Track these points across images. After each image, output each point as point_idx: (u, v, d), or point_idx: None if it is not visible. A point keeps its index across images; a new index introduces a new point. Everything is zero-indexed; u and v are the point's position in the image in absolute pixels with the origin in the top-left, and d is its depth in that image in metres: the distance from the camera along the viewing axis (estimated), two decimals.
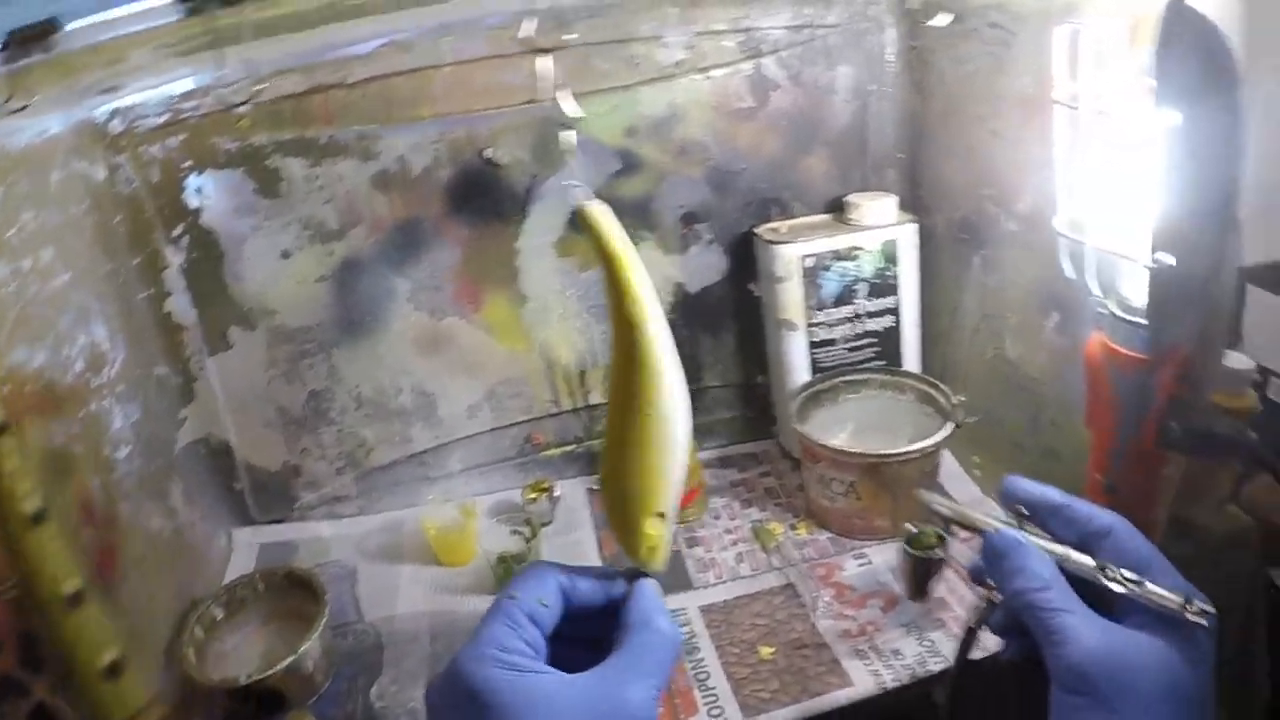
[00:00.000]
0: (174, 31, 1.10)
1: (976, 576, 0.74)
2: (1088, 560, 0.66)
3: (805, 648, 1.08)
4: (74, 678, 0.81)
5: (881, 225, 1.31)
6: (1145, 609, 0.63)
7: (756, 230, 1.35)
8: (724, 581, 1.20)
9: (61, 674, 0.80)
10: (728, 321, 1.44)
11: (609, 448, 0.72)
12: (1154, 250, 0.82)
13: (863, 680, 1.02)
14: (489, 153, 1.25)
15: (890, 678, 1.01)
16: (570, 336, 1.38)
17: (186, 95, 1.12)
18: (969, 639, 0.76)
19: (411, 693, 1.05)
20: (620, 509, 0.71)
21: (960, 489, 1.33)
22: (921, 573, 0.82)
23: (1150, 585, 0.63)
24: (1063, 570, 0.66)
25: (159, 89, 1.12)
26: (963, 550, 1.13)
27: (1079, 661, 0.60)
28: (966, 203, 1.28)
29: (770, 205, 1.38)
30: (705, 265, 1.39)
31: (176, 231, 1.17)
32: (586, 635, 0.66)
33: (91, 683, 0.81)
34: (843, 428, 1.32)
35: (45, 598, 0.80)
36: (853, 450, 1.19)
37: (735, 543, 1.28)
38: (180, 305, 1.21)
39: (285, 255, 1.23)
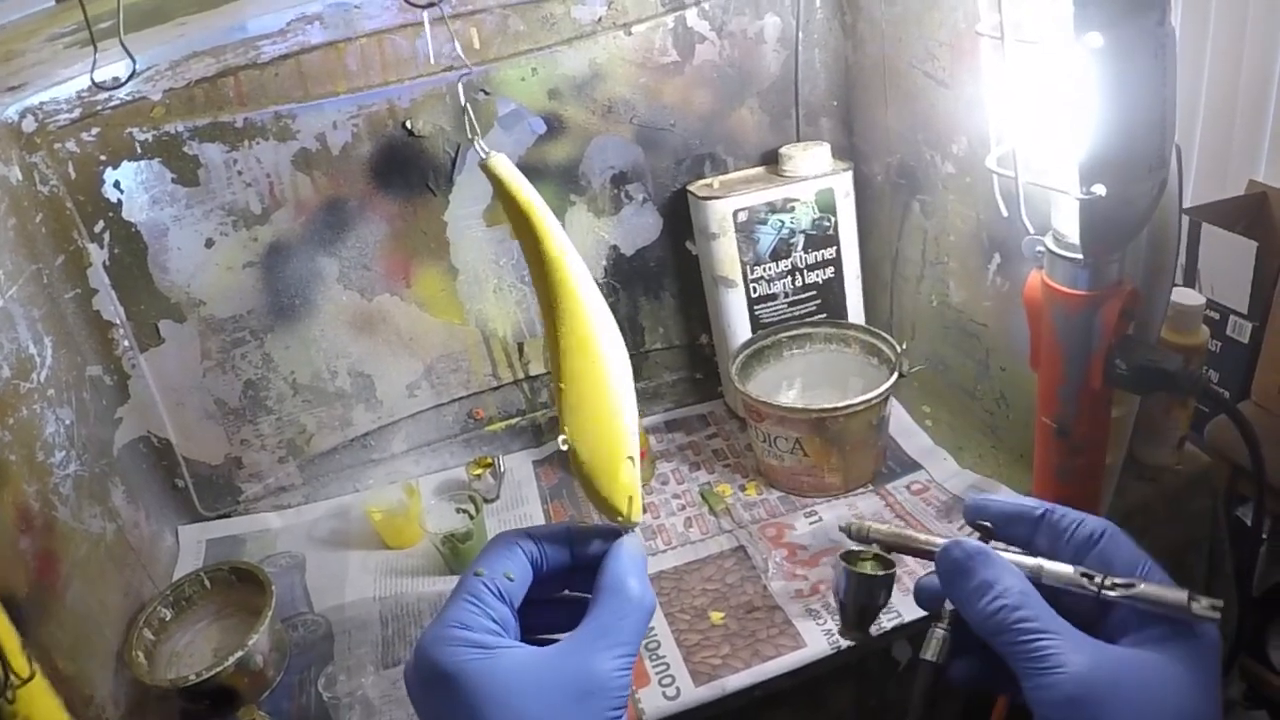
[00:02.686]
0: (55, 19, 1.11)
1: (925, 601, 0.67)
2: (1066, 569, 0.61)
3: (757, 610, 1.15)
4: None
5: (816, 175, 1.39)
6: (1138, 626, 0.58)
7: (689, 187, 1.43)
8: (673, 547, 1.29)
9: None
10: (667, 282, 1.53)
11: (565, 409, 0.74)
12: (1085, 182, 0.83)
13: (816, 641, 1.09)
14: (409, 124, 1.32)
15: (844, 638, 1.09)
16: (506, 307, 1.46)
17: (95, 88, 1.17)
18: (931, 679, 0.65)
19: (360, 680, 1.14)
20: (594, 465, 0.73)
21: (911, 441, 1.42)
22: (864, 597, 0.68)
23: (1146, 585, 0.58)
24: (1038, 587, 0.60)
25: (66, 84, 1.18)
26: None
27: (1071, 691, 0.54)
28: (902, 148, 1.37)
29: (703, 161, 1.46)
30: (640, 226, 1.48)
31: (98, 228, 1.24)
32: (561, 590, 0.71)
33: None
34: (790, 384, 1.41)
35: None
36: (795, 406, 1.28)
37: (683, 507, 1.37)
38: (107, 302, 1.28)
39: (209, 244, 1.30)
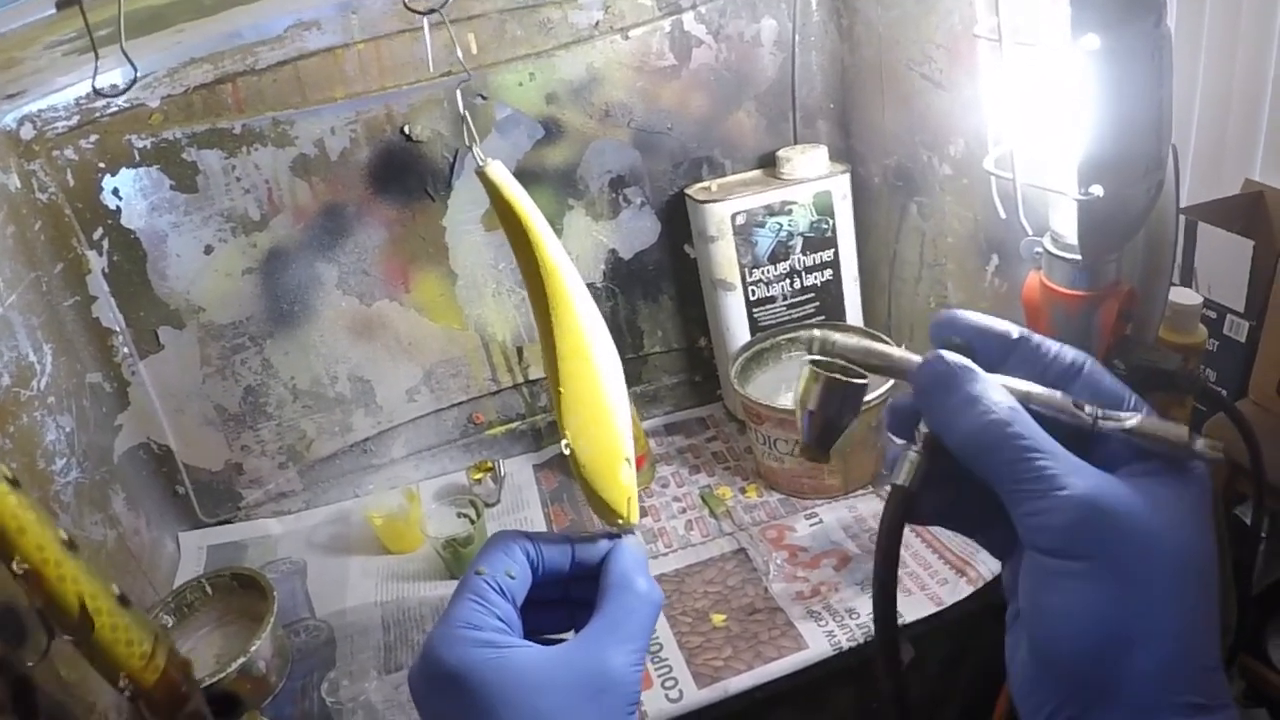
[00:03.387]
0: (54, 27, 1.10)
1: (897, 424, 0.59)
2: (1056, 394, 0.54)
3: (758, 613, 1.16)
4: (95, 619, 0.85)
5: (813, 178, 1.39)
6: (1129, 460, 0.52)
7: (687, 190, 1.44)
8: (674, 550, 1.30)
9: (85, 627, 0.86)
10: (665, 285, 1.53)
11: (564, 413, 0.73)
12: (1083, 182, 0.83)
13: (817, 642, 1.10)
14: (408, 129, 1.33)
15: (845, 638, 1.09)
16: (505, 312, 1.47)
17: (94, 95, 1.18)
18: (902, 506, 0.56)
19: (363, 685, 1.14)
20: (595, 469, 0.73)
21: None
22: (831, 409, 0.58)
23: (1146, 419, 0.52)
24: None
25: (65, 91, 1.18)
26: None
27: (1072, 516, 0.48)
28: (900, 149, 1.37)
29: (701, 164, 1.46)
30: (638, 230, 1.48)
31: (96, 235, 1.25)
32: (559, 598, 0.69)
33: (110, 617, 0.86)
34: (789, 387, 1.41)
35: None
36: (794, 409, 1.27)
37: (684, 510, 1.37)
38: (107, 309, 1.28)
39: (208, 250, 1.31)
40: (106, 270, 1.27)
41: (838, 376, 0.58)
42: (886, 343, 0.61)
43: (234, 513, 1.45)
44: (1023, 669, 0.52)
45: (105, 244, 1.26)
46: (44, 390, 1.13)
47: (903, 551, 1.19)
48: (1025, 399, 0.53)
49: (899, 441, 0.58)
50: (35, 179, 1.20)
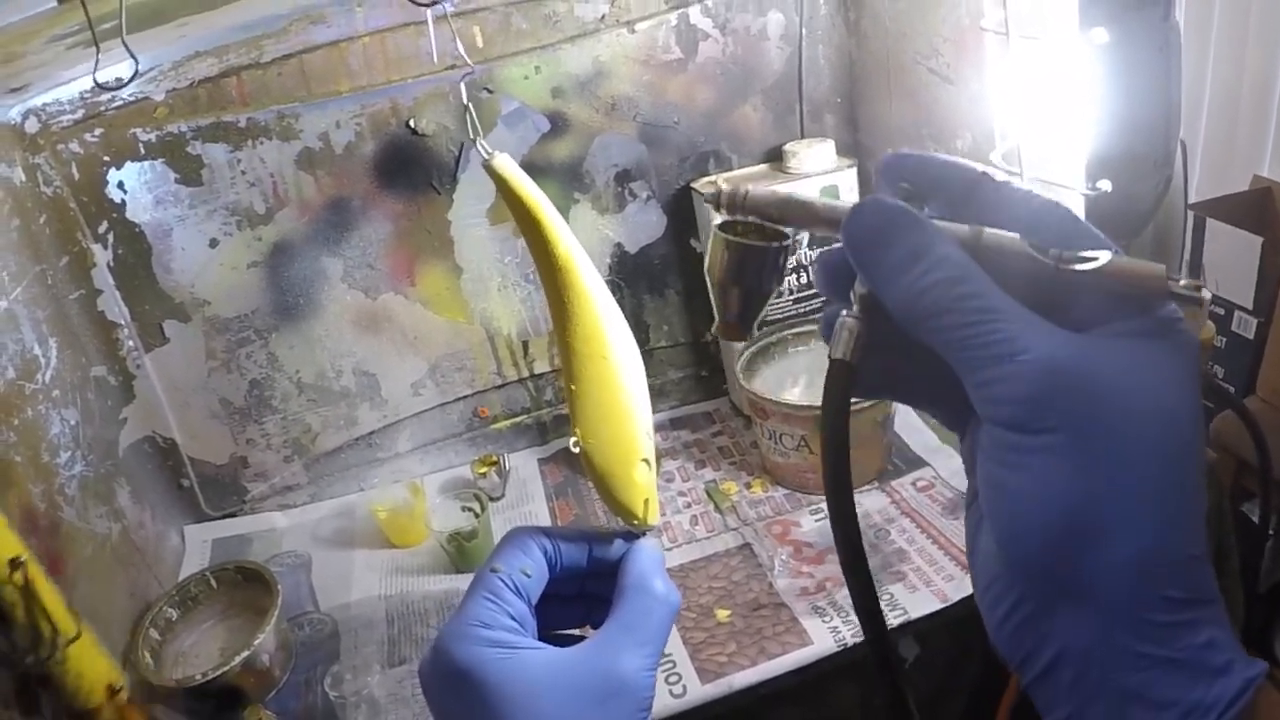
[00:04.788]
0: (57, 20, 1.10)
1: (829, 282, 0.51)
2: (1011, 236, 0.45)
3: (763, 608, 1.16)
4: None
5: (820, 172, 1.39)
6: (1106, 318, 0.44)
7: (694, 184, 1.43)
8: (679, 545, 1.29)
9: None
10: (671, 280, 1.53)
11: (576, 409, 0.72)
12: (1090, 178, 0.84)
13: (822, 638, 1.09)
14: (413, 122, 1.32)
15: (850, 634, 1.09)
16: (511, 305, 1.46)
17: (98, 88, 1.17)
18: (844, 382, 0.47)
19: (366, 679, 1.14)
20: (607, 467, 0.71)
21: (916, 438, 1.42)
22: (751, 275, 0.51)
23: (1116, 258, 0.44)
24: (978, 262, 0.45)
25: (69, 85, 1.18)
26: None
27: (1035, 383, 0.41)
28: (906, 143, 1.36)
29: (707, 158, 1.46)
30: (644, 224, 1.48)
31: (101, 228, 1.25)
32: (576, 593, 0.68)
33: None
34: (794, 381, 1.41)
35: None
36: (800, 404, 1.28)
37: (689, 505, 1.37)
38: (112, 303, 1.28)
39: (213, 244, 1.31)
40: (111, 264, 1.27)
41: (750, 241, 0.51)
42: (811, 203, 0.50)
43: (239, 506, 1.45)
44: (983, 557, 0.46)
45: (110, 237, 1.26)
46: (49, 383, 1.13)
47: (907, 547, 1.20)
48: (975, 242, 0.45)
49: (833, 305, 0.49)
50: (40, 173, 1.20)
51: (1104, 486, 0.40)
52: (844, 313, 0.47)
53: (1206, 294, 0.43)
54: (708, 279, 0.52)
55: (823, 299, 0.50)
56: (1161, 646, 0.40)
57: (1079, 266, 0.43)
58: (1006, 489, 0.43)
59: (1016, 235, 0.45)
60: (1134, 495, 0.40)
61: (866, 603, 0.46)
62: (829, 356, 0.47)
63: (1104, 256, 0.43)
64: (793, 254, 1.39)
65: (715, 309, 0.53)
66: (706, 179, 1.43)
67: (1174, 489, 0.41)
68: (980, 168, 0.47)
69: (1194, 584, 0.40)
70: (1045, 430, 0.41)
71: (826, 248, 0.52)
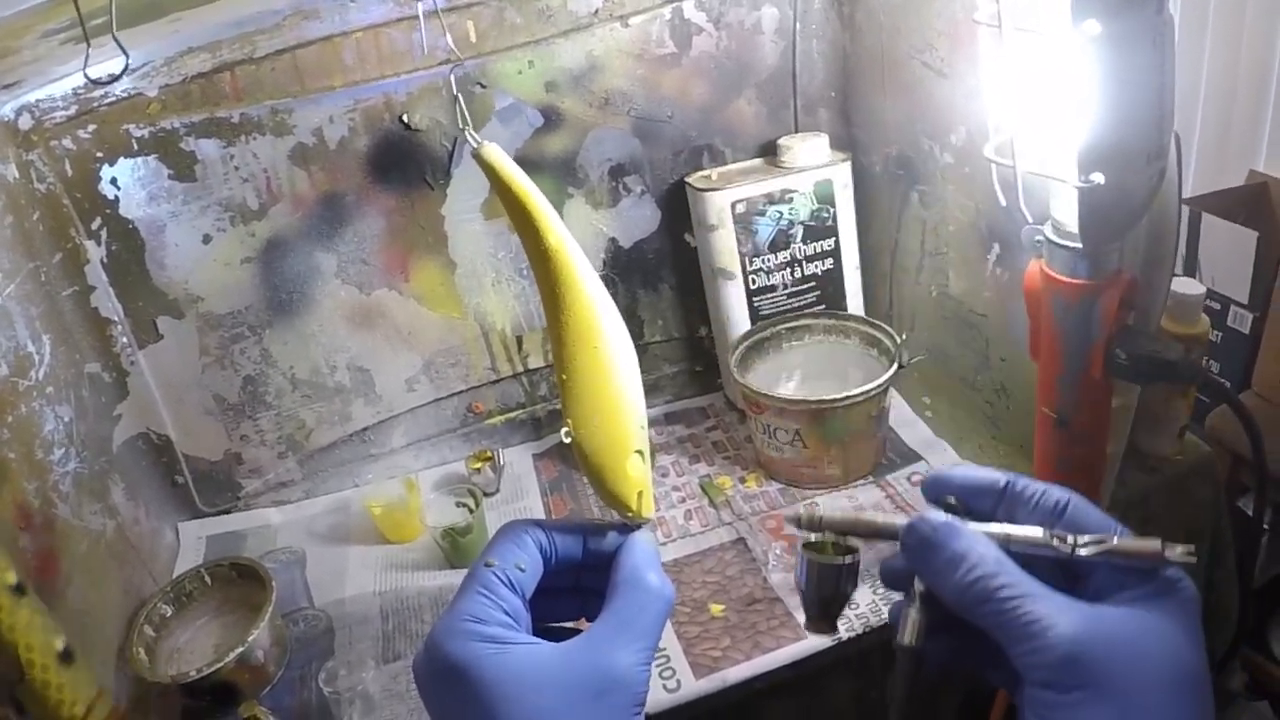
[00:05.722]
0: (48, 14, 1.09)
1: (893, 581, 0.64)
2: (1034, 532, 0.58)
3: (757, 603, 1.16)
4: (27, 671, 0.86)
5: (814, 166, 1.39)
6: (1117, 588, 0.56)
7: (688, 179, 1.43)
8: (673, 540, 1.29)
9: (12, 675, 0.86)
10: (666, 274, 1.52)
11: (568, 401, 0.72)
12: (1083, 170, 0.83)
13: None
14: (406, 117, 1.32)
15: (844, 628, 1.09)
16: (505, 301, 1.46)
17: (91, 84, 1.18)
18: (912, 665, 0.60)
19: (361, 675, 1.14)
20: (599, 459, 0.72)
21: (911, 432, 1.42)
22: (829, 587, 0.63)
23: (1119, 539, 0.56)
24: (1009, 554, 0.58)
25: (62, 81, 1.18)
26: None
27: (1065, 651, 0.52)
28: (901, 138, 1.36)
29: (701, 152, 1.46)
30: (638, 218, 1.48)
31: (95, 224, 1.24)
32: (571, 586, 0.69)
33: (43, 673, 0.87)
34: (789, 376, 1.41)
35: None
36: (794, 398, 1.28)
37: (684, 500, 1.37)
38: (105, 299, 1.28)
39: (207, 239, 1.30)
40: (105, 260, 1.26)
41: (829, 560, 0.64)
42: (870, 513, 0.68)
43: (233, 502, 1.45)
44: None
45: (104, 234, 1.25)
46: (42, 380, 1.13)
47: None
48: (1006, 541, 0.58)
49: (899, 601, 0.62)
50: (33, 169, 1.19)
51: None
52: (907, 606, 0.60)
53: (1194, 559, 0.55)
54: (797, 587, 0.66)
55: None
56: None
57: (1089, 552, 0.56)
58: None
59: (1039, 531, 0.58)
60: None
61: None
62: (896, 644, 0.60)
63: (1109, 541, 0.56)
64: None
65: (804, 608, 0.66)
66: (701, 173, 1.43)
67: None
68: (1005, 477, 0.62)
69: None
70: (1074, 688, 0.52)
71: (890, 556, 0.65)
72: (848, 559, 0.64)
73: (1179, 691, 0.52)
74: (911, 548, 0.60)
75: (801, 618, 0.90)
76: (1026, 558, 0.57)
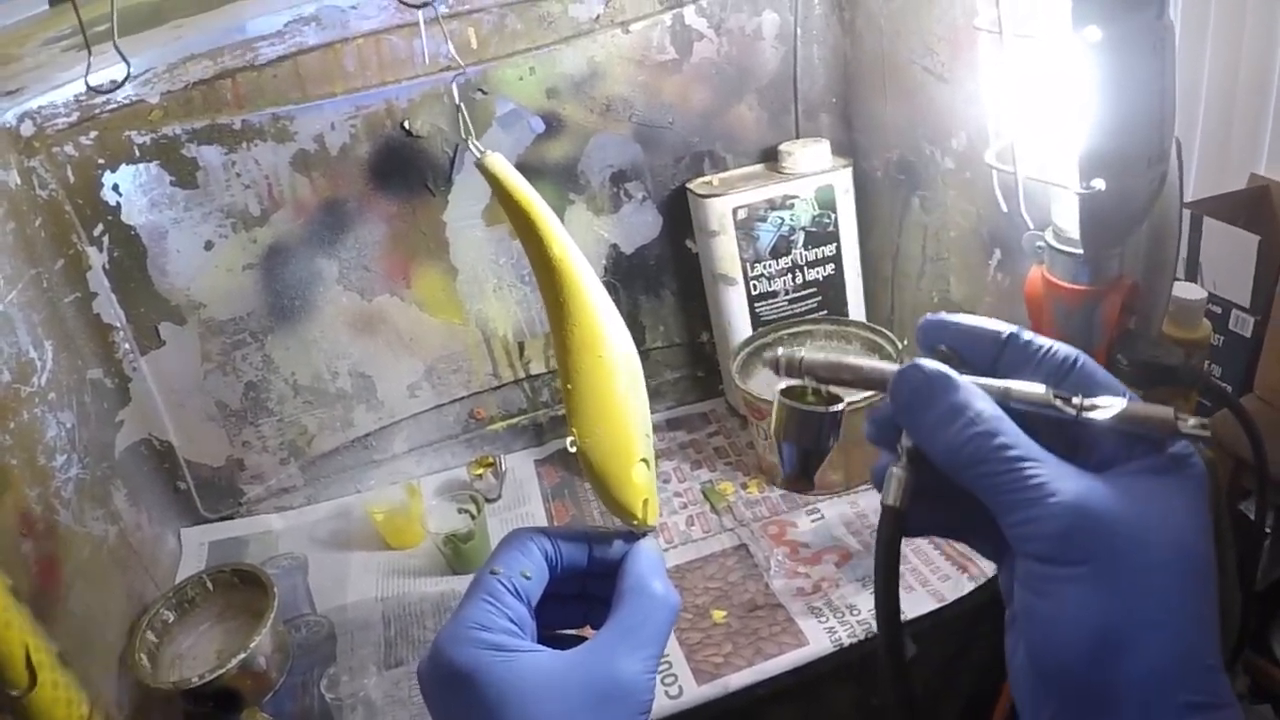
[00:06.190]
0: (50, 23, 1.13)
1: (878, 435, 0.57)
2: (1038, 389, 0.51)
3: (759, 609, 1.16)
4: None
5: (815, 172, 1.39)
6: (1125, 458, 0.50)
7: (689, 185, 1.43)
8: (675, 546, 1.29)
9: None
10: (667, 280, 1.53)
11: (572, 408, 0.72)
12: (1084, 175, 0.83)
13: (818, 639, 1.09)
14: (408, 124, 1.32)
15: (846, 634, 1.09)
16: (506, 307, 1.46)
17: (93, 91, 1.17)
18: (894, 528, 0.54)
19: (363, 681, 1.14)
20: (604, 467, 0.71)
21: None
22: (809, 438, 0.56)
23: (1130, 404, 0.50)
24: (1008, 412, 0.51)
25: (64, 88, 1.18)
26: None
27: (1065, 522, 0.46)
28: (902, 143, 1.36)
29: (702, 158, 1.46)
30: (639, 224, 1.48)
31: (97, 231, 1.24)
32: (577, 593, 0.68)
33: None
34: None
35: None
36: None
37: (685, 505, 1.37)
38: (107, 306, 1.28)
39: (208, 246, 1.30)
40: (107, 266, 1.26)
41: (809, 407, 0.56)
42: (871, 351, 0.60)
43: (235, 508, 1.45)
44: (1021, 673, 0.50)
45: (105, 240, 1.25)
46: (45, 386, 1.13)
47: (904, 547, 1.19)
48: (1005, 397, 0.51)
49: (883, 458, 0.55)
50: (35, 176, 1.19)
51: (1127, 611, 0.46)
52: (892, 464, 0.53)
53: (1209, 433, 0.48)
54: (774, 438, 0.59)
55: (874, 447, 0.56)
56: None
57: (1097, 415, 0.49)
58: (1039, 614, 0.48)
59: (1042, 388, 0.51)
60: (1155, 617, 0.46)
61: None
62: (881, 503, 0.53)
63: (1119, 404, 0.49)
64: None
65: (780, 463, 0.60)
66: (702, 179, 1.43)
67: (1191, 608, 0.47)
68: (1008, 329, 0.54)
69: (1213, 690, 0.46)
70: (1074, 563, 0.46)
71: (873, 405, 0.61)
72: (832, 408, 0.57)
73: (1185, 575, 0.47)
74: (901, 399, 0.52)
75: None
76: (1026, 421, 0.51)
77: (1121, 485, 0.48)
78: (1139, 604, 0.46)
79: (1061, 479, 0.48)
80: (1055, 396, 0.50)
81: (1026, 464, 0.48)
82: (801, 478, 0.59)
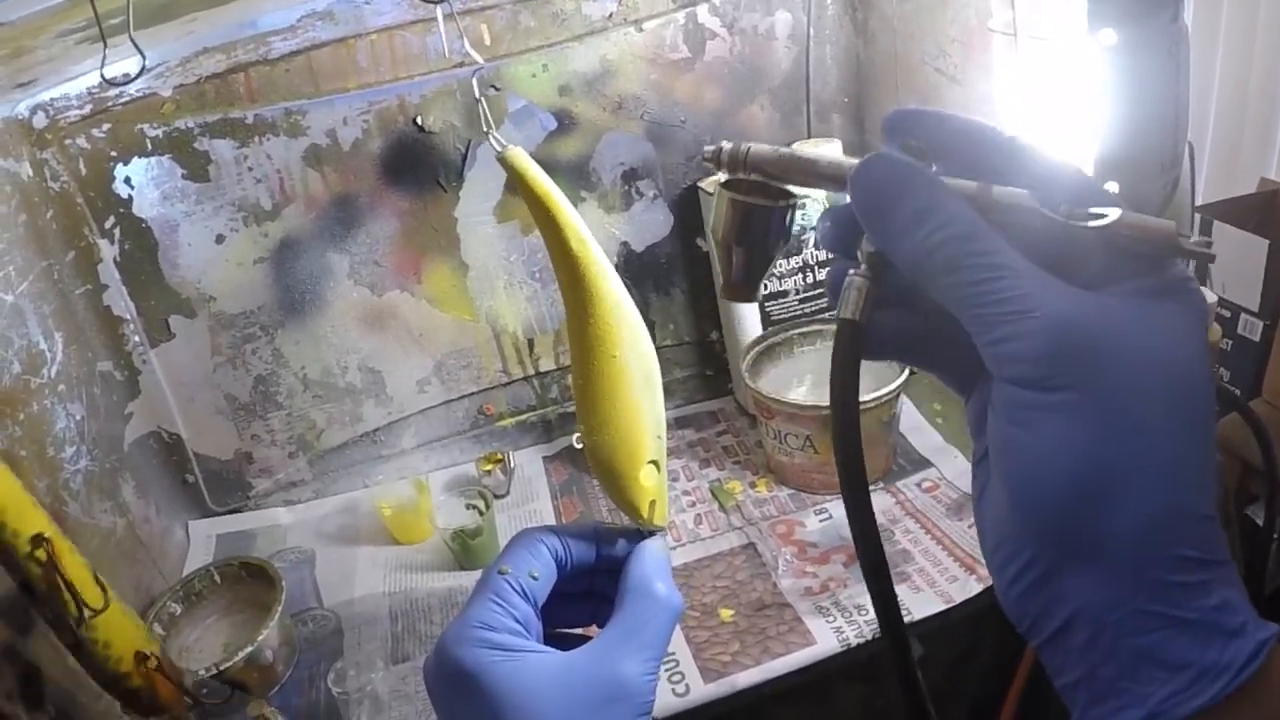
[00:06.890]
0: (64, 15, 1.10)
1: (836, 239, 0.50)
2: (1020, 192, 0.44)
3: (767, 608, 1.15)
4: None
5: None
6: (1117, 278, 0.43)
7: (700, 183, 1.43)
8: (683, 544, 1.29)
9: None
10: (677, 278, 1.52)
11: (582, 407, 0.71)
12: (1098, 179, 0.79)
13: (825, 638, 1.09)
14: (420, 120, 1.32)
15: (853, 634, 1.09)
16: (516, 303, 1.46)
17: (106, 84, 1.17)
18: (853, 342, 0.48)
19: (370, 676, 1.14)
20: (611, 467, 0.70)
21: (922, 439, 1.41)
22: (754, 237, 0.50)
23: (1126, 214, 0.43)
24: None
25: (77, 80, 1.18)
26: None
27: (1047, 341, 0.40)
28: None
29: None
30: (650, 222, 1.47)
31: (108, 223, 1.25)
32: (584, 590, 0.68)
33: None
34: (800, 381, 1.41)
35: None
36: (806, 404, 1.28)
37: (694, 504, 1.36)
38: (118, 298, 1.28)
39: (220, 239, 1.30)
40: (118, 259, 1.27)
41: (755, 201, 0.51)
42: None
43: (243, 502, 1.45)
44: (991, 519, 0.45)
45: (117, 233, 1.26)
46: (54, 378, 1.13)
47: (911, 548, 1.20)
48: (985, 201, 0.44)
49: (840, 264, 0.50)
50: (47, 168, 1.20)
51: (1117, 445, 0.40)
52: (852, 272, 0.47)
53: (1212, 251, 0.42)
54: (712, 238, 0.52)
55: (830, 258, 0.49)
56: (1175, 607, 0.39)
57: (1090, 223, 0.43)
58: (1018, 447, 0.42)
59: (1027, 192, 0.44)
60: (1147, 454, 0.40)
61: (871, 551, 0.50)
62: (837, 316, 0.47)
63: (1114, 213, 0.42)
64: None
65: (720, 269, 0.52)
66: (713, 178, 1.43)
67: (1187, 448, 0.41)
68: (997, 130, 0.46)
69: (1207, 544, 0.40)
70: (1059, 388, 0.40)
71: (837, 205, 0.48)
72: (780, 203, 0.51)
73: (1183, 411, 0.41)
74: (864, 196, 0.46)
75: None
76: (1007, 230, 0.43)
77: (1114, 304, 0.42)
78: (1133, 438, 0.40)
79: (1047, 292, 0.41)
80: (1042, 202, 0.43)
81: (1007, 273, 0.41)
82: (744, 284, 0.53)
